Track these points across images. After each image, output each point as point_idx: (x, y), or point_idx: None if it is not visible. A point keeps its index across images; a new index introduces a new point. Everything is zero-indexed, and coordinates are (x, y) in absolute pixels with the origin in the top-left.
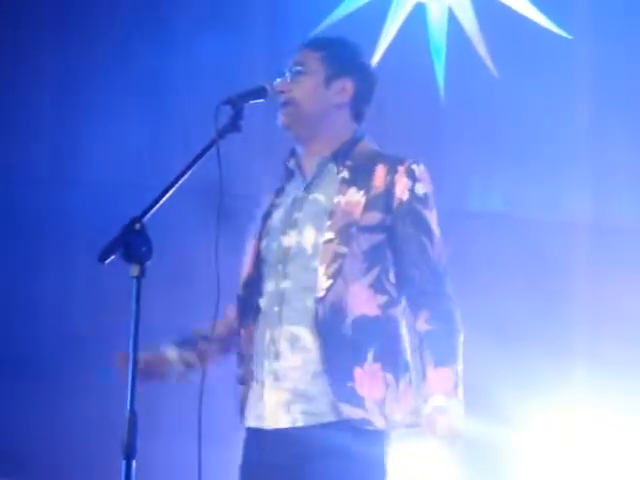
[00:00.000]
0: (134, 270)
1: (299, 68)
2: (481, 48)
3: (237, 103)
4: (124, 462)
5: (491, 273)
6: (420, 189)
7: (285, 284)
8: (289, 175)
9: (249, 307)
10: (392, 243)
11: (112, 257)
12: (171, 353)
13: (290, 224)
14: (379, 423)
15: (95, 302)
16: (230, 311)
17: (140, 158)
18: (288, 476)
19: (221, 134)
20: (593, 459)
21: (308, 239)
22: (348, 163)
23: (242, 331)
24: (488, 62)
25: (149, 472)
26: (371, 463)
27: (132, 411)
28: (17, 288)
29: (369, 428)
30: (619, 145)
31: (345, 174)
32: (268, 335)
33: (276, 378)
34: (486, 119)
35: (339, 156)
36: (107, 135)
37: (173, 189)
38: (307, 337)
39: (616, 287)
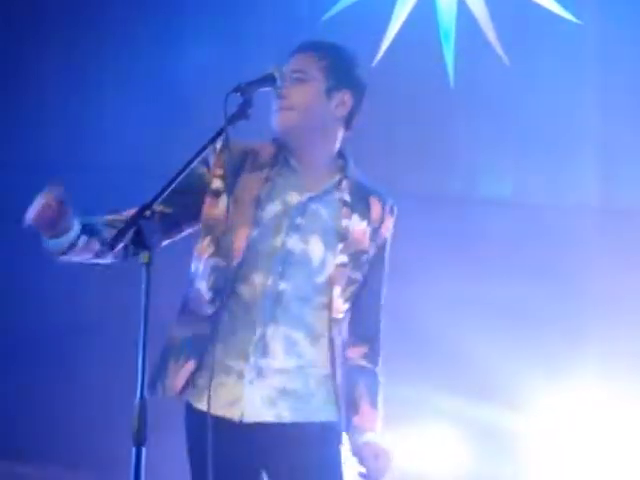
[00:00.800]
0: (143, 257)
1: (300, 75)
2: (490, 33)
3: (246, 91)
4: (134, 449)
5: (501, 259)
6: (392, 229)
7: (283, 286)
8: (282, 165)
9: (227, 289)
10: (367, 275)
11: (122, 244)
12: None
13: (292, 227)
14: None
15: (103, 289)
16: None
17: (149, 146)
18: (265, 466)
19: (230, 121)
20: (607, 446)
21: (316, 252)
22: (346, 185)
23: (208, 308)
24: (497, 47)
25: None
26: (339, 461)
27: (142, 398)
28: (24, 278)
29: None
30: (628, 129)
31: (346, 197)
32: (259, 331)
33: (260, 374)
34: (495, 105)
35: (343, 176)
36: (116, 125)
37: (182, 176)
38: (303, 342)
39: (628, 270)
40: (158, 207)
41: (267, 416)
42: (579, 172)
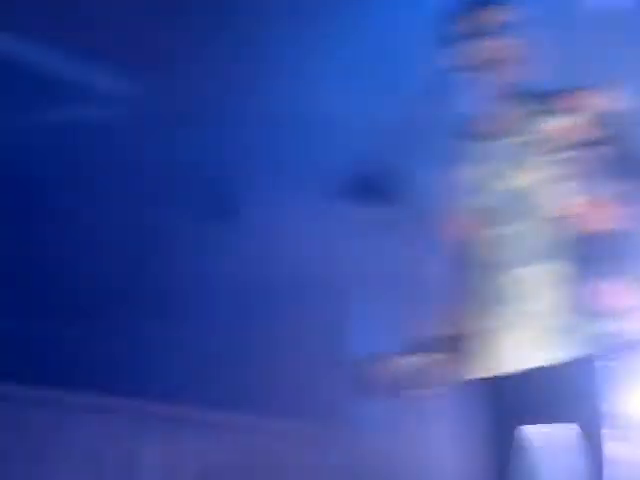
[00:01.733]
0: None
1: None
2: None
3: None
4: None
5: None
6: None
7: (516, 228)
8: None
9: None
10: None
11: (357, 198)
12: None
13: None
14: None
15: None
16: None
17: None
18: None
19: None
20: None
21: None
22: None
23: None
24: None
25: None
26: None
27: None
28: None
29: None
30: None
31: None
32: (503, 279)
33: (517, 320)
34: None
35: None
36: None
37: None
38: (544, 276)
39: None
40: None
41: (538, 361)
42: None
